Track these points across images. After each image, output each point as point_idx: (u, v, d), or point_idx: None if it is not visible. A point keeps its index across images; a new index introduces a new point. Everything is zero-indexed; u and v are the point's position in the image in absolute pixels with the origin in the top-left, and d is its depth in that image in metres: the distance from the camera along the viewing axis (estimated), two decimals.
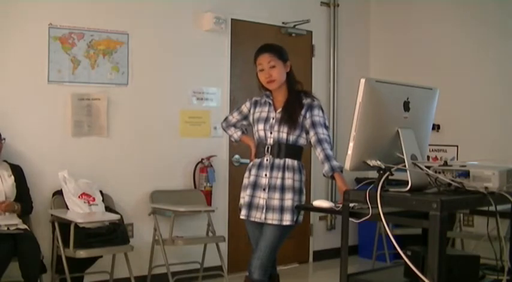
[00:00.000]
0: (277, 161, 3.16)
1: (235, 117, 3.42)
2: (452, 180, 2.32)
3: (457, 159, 5.05)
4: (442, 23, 5.43)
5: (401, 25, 5.84)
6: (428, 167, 2.38)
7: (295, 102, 3.18)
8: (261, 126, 3.21)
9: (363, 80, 2.27)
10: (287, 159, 3.16)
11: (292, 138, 3.15)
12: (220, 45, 5.10)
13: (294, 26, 5.50)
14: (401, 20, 5.84)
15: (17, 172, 4.01)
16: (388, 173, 2.26)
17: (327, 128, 3.18)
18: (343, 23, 5.90)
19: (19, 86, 4.22)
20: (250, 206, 3.19)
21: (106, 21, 4.53)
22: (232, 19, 5.15)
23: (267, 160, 3.18)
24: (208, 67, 5.05)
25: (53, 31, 4.32)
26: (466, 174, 2.34)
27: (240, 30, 5.21)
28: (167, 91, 4.83)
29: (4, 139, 3.99)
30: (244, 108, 3.36)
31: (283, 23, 5.48)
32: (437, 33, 5.45)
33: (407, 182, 2.28)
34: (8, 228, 3.63)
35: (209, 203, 4.86)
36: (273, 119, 3.19)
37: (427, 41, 5.53)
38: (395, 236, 2.39)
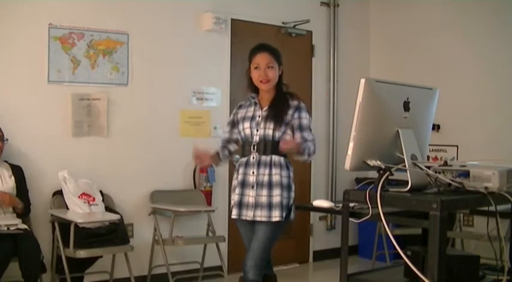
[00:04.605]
0: (263, 158, 3.17)
1: (226, 131, 3.41)
2: (452, 180, 2.32)
3: (457, 159, 5.05)
4: (442, 23, 5.43)
5: (401, 25, 5.84)
6: (428, 167, 2.39)
7: (281, 100, 3.22)
8: (246, 124, 3.22)
9: (363, 80, 2.27)
10: (273, 156, 3.17)
11: (278, 134, 3.16)
12: (220, 45, 5.10)
13: (294, 26, 5.50)
14: (401, 20, 5.84)
15: (18, 173, 4.01)
16: (388, 173, 2.27)
17: (311, 130, 3.24)
18: (343, 23, 5.90)
19: (19, 86, 4.22)
20: (240, 205, 3.19)
21: (106, 21, 4.53)
22: (232, 19, 5.15)
23: (253, 158, 3.19)
24: (208, 67, 5.04)
25: (53, 31, 4.32)
26: (466, 174, 2.34)
27: (240, 30, 5.21)
28: (167, 91, 4.83)
29: (7, 140, 3.99)
30: (232, 117, 3.38)
31: (283, 23, 5.48)
32: (437, 33, 5.45)
33: (407, 182, 2.28)
34: (8, 228, 3.63)
35: (209, 203, 4.87)
36: (259, 117, 3.22)
37: (427, 41, 5.54)
38: (395, 236, 2.39)
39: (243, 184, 3.20)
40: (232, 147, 3.39)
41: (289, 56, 3.37)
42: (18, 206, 3.88)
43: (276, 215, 3.12)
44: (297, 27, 5.51)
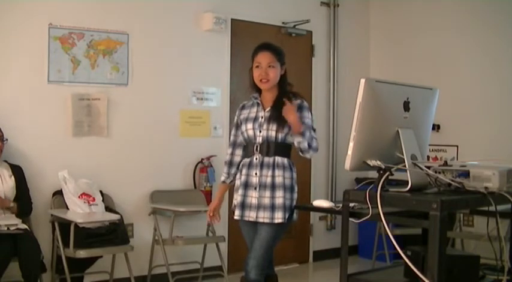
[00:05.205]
0: (266, 159, 3.16)
1: (233, 134, 3.37)
2: (452, 180, 2.32)
3: (457, 159, 5.05)
4: (442, 23, 5.43)
5: (401, 25, 5.84)
6: (428, 167, 2.39)
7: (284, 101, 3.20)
8: (249, 125, 3.21)
9: (363, 80, 2.27)
10: (277, 157, 3.16)
11: (281, 136, 3.15)
12: (220, 45, 5.11)
13: (294, 26, 5.50)
14: (401, 20, 5.84)
15: (18, 172, 4.01)
16: (388, 173, 2.27)
17: (314, 130, 3.21)
18: (343, 23, 5.90)
19: (19, 86, 4.22)
20: (243, 205, 3.19)
21: (106, 21, 4.53)
22: (232, 19, 5.15)
23: (256, 159, 3.18)
24: (208, 67, 5.05)
25: (53, 31, 4.32)
26: (466, 174, 2.34)
27: (240, 30, 5.21)
28: (167, 91, 4.83)
29: (7, 140, 3.99)
30: (236, 119, 3.35)
31: (283, 23, 5.48)
32: (437, 33, 5.45)
33: (407, 182, 2.28)
34: (8, 228, 3.62)
35: (209, 203, 4.85)
36: (262, 117, 3.20)
37: (427, 41, 5.54)
38: (395, 236, 2.39)
39: (246, 185, 3.20)
40: (240, 153, 3.33)
41: (289, 56, 3.36)
42: (8, 206, 3.87)
43: (278, 217, 3.11)
44: (297, 27, 5.51)
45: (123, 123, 4.61)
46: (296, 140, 3.11)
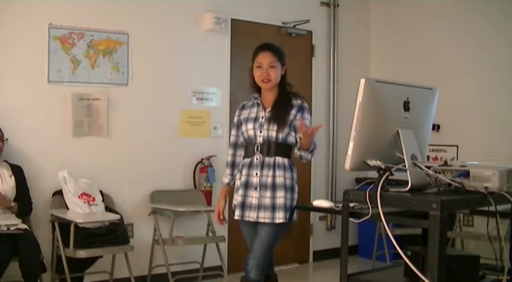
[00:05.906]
0: (267, 159, 3.17)
1: (233, 134, 3.37)
2: (452, 180, 2.32)
3: (457, 159, 5.05)
4: (442, 23, 5.43)
5: (401, 25, 5.84)
6: (428, 167, 2.39)
7: (285, 101, 3.22)
8: (250, 125, 3.22)
9: (363, 80, 2.27)
10: (277, 158, 3.16)
11: (281, 136, 3.15)
12: (220, 45, 5.11)
13: (294, 26, 5.50)
14: (401, 19, 5.84)
15: (18, 172, 4.01)
16: (388, 173, 2.27)
17: None
18: (343, 23, 5.90)
19: (19, 86, 4.22)
20: (243, 206, 3.19)
21: (106, 21, 4.53)
22: (232, 19, 5.15)
23: (256, 159, 3.18)
24: (208, 67, 5.05)
25: (53, 31, 4.32)
26: (466, 174, 2.34)
27: (240, 30, 5.21)
28: (167, 91, 4.83)
29: (7, 140, 3.99)
30: (236, 119, 3.35)
31: (283, 23, 5.48)
32: (437, 33, 5.45)
33: (407, 182, 2.28)
34: (8, 228, 3.62)
35: (209, 203, 4.86)
36: (262, 118, 3.21)
37: (427, 41, 5.54)
38: (395, 236, 2.39)
39: (246, 185, 3.20)
40: (242, 153, 3.32)
41: (289, 56, 3.36)
42: (9, 205, 3.87)
43: (279, 217, 3.12)
44: (297, 27, 5.51)
45: (123, 123, 4.61)
46: (301, 154, 3.13)
